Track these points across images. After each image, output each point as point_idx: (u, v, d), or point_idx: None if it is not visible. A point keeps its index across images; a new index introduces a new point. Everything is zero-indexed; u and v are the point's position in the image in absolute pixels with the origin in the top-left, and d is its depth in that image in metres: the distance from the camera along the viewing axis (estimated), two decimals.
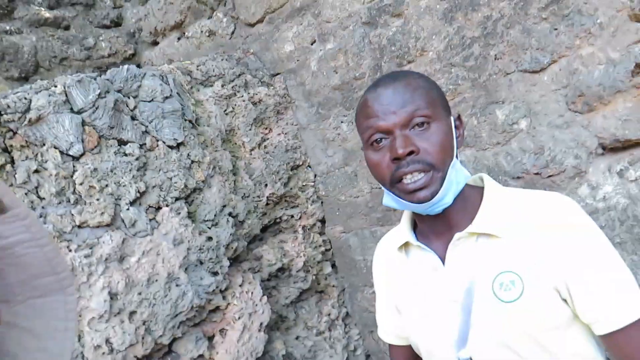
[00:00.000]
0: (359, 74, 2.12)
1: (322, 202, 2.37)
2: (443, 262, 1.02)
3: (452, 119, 1.02)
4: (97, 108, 1.67)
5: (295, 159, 2.31)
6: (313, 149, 2.35)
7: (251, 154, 2.18)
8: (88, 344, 1.49)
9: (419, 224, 1.09)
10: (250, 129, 2.20)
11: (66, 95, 1.63)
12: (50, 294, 0.47)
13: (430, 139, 0.95)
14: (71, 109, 1.63)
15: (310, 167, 2.37)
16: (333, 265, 2.37)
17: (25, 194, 1.50)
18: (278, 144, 2.27)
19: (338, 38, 2.17)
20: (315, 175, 2.37)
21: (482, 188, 1.05)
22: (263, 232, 2.19)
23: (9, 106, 1.52)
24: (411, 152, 0.94)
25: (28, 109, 1.53)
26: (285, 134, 2.31)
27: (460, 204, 1.01)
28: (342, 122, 2.22)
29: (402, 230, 1.11)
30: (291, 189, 2.27)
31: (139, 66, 2.86)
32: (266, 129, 2.28)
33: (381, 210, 2.15)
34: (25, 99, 1.56)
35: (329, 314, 2.27)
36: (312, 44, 2.27)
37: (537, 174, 1.68)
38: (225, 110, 2.15)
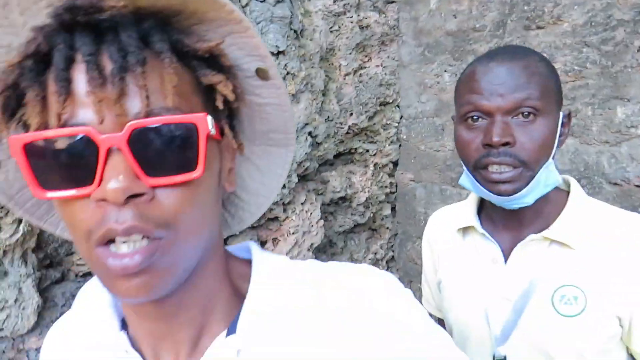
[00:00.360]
0: (479, 25, 1.98)
1: (400, 145, 2.33)
2: (504, 257, 0.99)
3: (561, 114, 0.93)
4: None
5: (387, 95, 2.25)
6: (407, 90, 2.27)
7: (345, 79, 2.14)
8: None
9: (489, 210, 1.05)
10: (350, 53, 2.14)
11: None
12: (278, 145, 0.61)
13: (531, 134, 0.88)
14: None
15: (398, 107, 2.31)
16: (392, 209, 2.38)
17: None
18: (374, 75, 2.20)
19: None
20: (401, 117, 2.31)
21: (567, 192, 0.99)
22: (335, 158, 2.21)
23: None
24: (506, 143, 0.87)
25: None
26: (384, 67, 2.23)
27: (539, 204, 0.95)
28: (445, 70, 2.12)
29: (467, 212, 1.08)
30: (374, 124, 2.23)
31: None
32: (366, 57, 2.21)
33: (458, 171, 2.09)
34: None
35: (376, 253, 2.32)
36: None
37: (638, 186, 1.57)
38: (331, 28, 2.09)
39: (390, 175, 2.34)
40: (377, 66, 2.22)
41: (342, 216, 2.23)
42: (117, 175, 0.42)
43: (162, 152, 0.44)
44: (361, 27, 2.16)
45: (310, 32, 2.00)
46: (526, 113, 0.88)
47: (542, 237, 0.94)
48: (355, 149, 2.23)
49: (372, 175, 2.26)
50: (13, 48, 0.48)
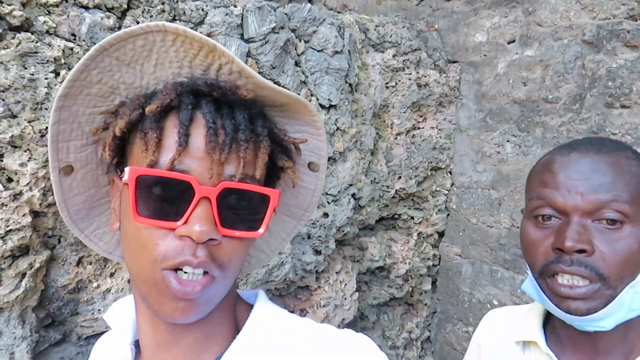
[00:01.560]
0: (552, 97, 1.79)
1: (448, 215, 2.13)
2: None
3: None
4: (266, 42, 1.52)
5: (440, 160, 2.06)
6: (462, 156, 2.08)
7: (396, 139, 1.96)
8: None
9: (557, 325, 0.87)
10: (404, 112, 1.97)
11: (242, 19, 1.49)
12: (293, 217, 0.72)
13: (615, 244, 0.72)
14: (242, 35, 1.50)
15: (450, 173, 2.11)
16: (433, 283, 2.15)
17: None
18: (428, 137, 2.03)
19: (544, 47, 1.84)
20: (452, 184, 2.12)
21: None
22: (376, 223, 2.01)
23: (184, 12, 1.41)
24: (582, 251, 0.72)
25: (202, 22, 1.41)
26: (439, 129, 2.05)
27: (620, 330, 0.78)
28: (508, 141, 1.93)
29: (530, 323, 0.91)
30: (423, 189, 2.04)
31: (310, 1, 2.69)
32: (421, 117, 2.04)
33: (512, 253, 1.87)
34: (203, 10, 1.44)
35: (410, 332, 2.08)
36: (509, 43, 1.95)
37: None
38: (387, 84, 1.93)
39: (434, 246, 2.13)
40: (432, 128, 2.04)
41: (377, 287, 2.01)
42: (202, 220, 0.52)
43: (239, 211, 0.54)
44: (419, 85, 1.99)
45: (365, 86, 1.85)
46: (611, 219, 0.72)
47: None
48: (399, 214, 2.03)
49: (415, 245, 2.05)
50: (134, 87, 0.59)
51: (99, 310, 1.30)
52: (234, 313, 0.64)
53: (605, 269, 0.72)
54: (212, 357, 0.60)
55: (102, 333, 1.38)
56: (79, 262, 1.26)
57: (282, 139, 0.60)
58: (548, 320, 0.92)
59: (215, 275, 0.54)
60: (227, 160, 0.53)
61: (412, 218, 2.06)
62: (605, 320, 0.74)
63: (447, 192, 2.10)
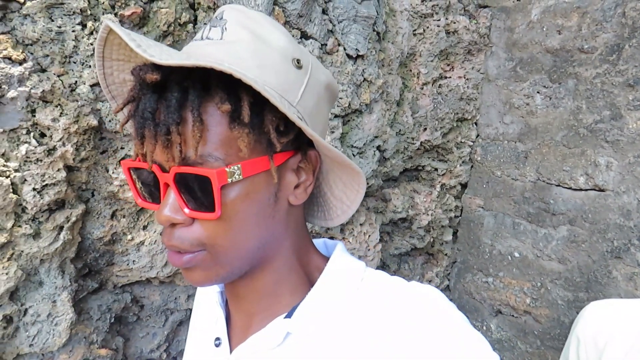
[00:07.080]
0: (588, 47, 1.72)
1: (472, 167, 2.11)
2: None
3: None
4: None
5: (466, 111, 2.02)
6: (489, 107, 2.03)
7: (422, 89, 1.92)
8: None
9: None
10: (432, 60, 1.91)
11: None
12: (353, 169, 0.67)
13: None
14: None
15: (476, 124, 2.08)
16: (454, 234, 2.17)
17: None
18: (455, 87, 1.97)
19: None
20: (477, 136, 2.08)
21: None
22: (399, 174, 2.00)
23: None
24: None
25: None
26: (467, 79, 2.00)
27: None
28: (538, 92, 1.87)
29: None
30: (448, 141, 2.01)
31: None
32: (448, 65, 1.98)
33: (536, 206, 1.87)
34: None
35: (430, 281, 2.13)
36: None
37: None
38: (415, 31, 1.86)
39: (457, 197, 2.13)
40: (459, 77, 1.99)
41: (399, 238, 2.03)
42: (167, 205, 0.55)
43: (194, 192, 0.54)
44: (448, 33, 1.92)
45: (392, 34, 1.78)
46: None
47: None
48: (423, 166, 2.02)
49: (438, 197, 2.05)
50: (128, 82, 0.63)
51: (134, 261, 1.33)
52: (301, 266, 0.66)
53: None
54: (287, 308, 0.63)
55: (137, 282, 1.44)
56: (112, 215, 1.28)
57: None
58: None
59: (196, 251, 0.56)
60: (169, 145, 0.52)
61: (436, 170, 2.05)
62: None
63: (472, 143, 2.07)
